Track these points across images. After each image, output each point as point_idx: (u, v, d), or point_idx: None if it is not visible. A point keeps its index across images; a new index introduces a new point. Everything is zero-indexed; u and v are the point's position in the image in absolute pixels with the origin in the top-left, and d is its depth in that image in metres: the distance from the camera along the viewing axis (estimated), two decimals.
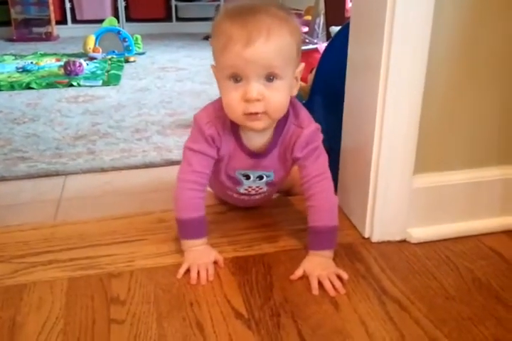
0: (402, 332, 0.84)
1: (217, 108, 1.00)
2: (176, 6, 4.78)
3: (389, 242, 1.10)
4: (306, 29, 3.31)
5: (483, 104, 1.08)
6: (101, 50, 3.49)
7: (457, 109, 1.07)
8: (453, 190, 1.11)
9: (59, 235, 1.12)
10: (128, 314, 0.88)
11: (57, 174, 1.62)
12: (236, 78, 0.91)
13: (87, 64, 3.18)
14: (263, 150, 1.04)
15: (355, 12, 1.09)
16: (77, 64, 2.96)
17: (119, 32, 3.59)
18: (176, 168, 1.67)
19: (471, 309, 0.90)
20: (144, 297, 0.93)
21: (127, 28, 4.18)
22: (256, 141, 1.03)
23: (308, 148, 1.01)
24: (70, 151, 1.81)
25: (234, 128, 1.01)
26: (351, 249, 1.07)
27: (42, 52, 3.67)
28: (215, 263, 1.01)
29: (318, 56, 1.78)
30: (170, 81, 2.96)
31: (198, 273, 0.97)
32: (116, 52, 3.53)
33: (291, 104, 1.00)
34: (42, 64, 3.22)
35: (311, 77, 1.55)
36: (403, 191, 1.07)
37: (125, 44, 3.58)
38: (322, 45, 2.03)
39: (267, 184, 1.11)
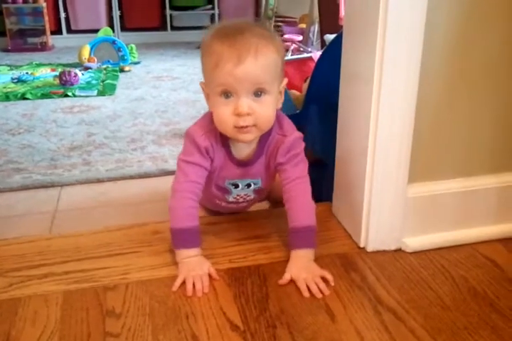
0: None
1: (208, 122, 1.04)
2: (170, 15, 4.79)
3: (384, 252, 1.10)
4: (300, 37, 3.33)
5: (476, 113, 1.09)
6: (96, 60, 3.49)
7: (451, 118, 1.07)
8: (447, 199, 1.11)
9: (54, 248, 1.12)
10: (123, 327, 0.88)
11: (52, 185, 1.62)
12: (227, 94, 0.96)
13: (83, 74, 3.18)
14: (249, 159, 1.08)
15: (348, 21, 1.09)
16: (73, 74, 2.97)
17: (114, 42, 3.60)
18: (171, 178, 1.67)
19: (467, 318, 0.90)
20: (139, 309, 0.92)
21: (122, 38, 4.19)
22: (243, 151, 1.08)
23: (291, 153, 1.06)
24: (66, 162, 1.81)
25: (224, 140, 1.05)
26: (346, 258, 1.07)
27: (37, 63, 3.67)
28: (209, 275, 1.01)
29: (312, 65, 1.79)
30: (165, 90, 2.96)
31: (194, 284, 0.97)
32: (111, 61, 3.54)
33: (275, 115, 1.04)
34: (37, 74, 3.22)
35: (305, 86, 1.56)
36: (398, 200, 1.07)
37: (120, 53, 3.59)
38: (316, 54, 2.03)
39: (255, 191, 1.15)
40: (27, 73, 3.21)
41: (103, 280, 1.01)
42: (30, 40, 4.34)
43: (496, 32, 1.03)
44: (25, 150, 1.94)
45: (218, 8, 4.81)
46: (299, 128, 1.10)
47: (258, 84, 0.95)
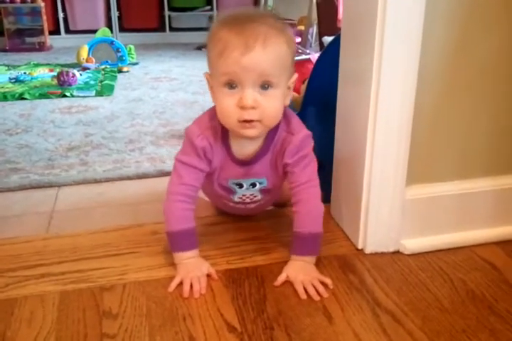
0: None
1: (210, 117, 1.01)
2: (169, 16, 4.78)
3: (382, 253, 1.10)
4: (299, 39, 3.33)
5: (474, 115, 1.09)
6: (94, 61, 3.48)
7: (448, 120, 1.07)
8: (446, 201, 1.11)
9: (51, 248, 1.12)
10: (120, 328, 0.87)
11: (50, 185, 1.61)
12: (231, 85, 0.92)
13: (81, 74, 3.17)
14: (252, 157, 1.04)
15: (346, 23, 1.10)
16: (71, 74, 2.96)
17: (112, 42, 3.59)
18: (169, 179, 1.67)
19: (465, 321, 0.90)
20: (136, 310, 0.92)
21: (121, 38, 4.18)
22: (247, 148, 1.04)
23: (299, 154, 1.02)
24: (63, 162, 1.80)
25: (224, 138, 1.02)
26: (345, 260, 1.07)
27: (35, 63, 3.66)
28: (208, 276, 1.00)
29: (310, 66, 1.78)
30: (163, 91, 2.96)
31: (191, 286, 0.97)
32: (109, 62, 3.53)
33: (283, 112, 1.01)
34: (35, 74, 3.21)
35: (303, 87, 1.56)
36: (396, 202, 1.07)
37: (118, 54, 3.58)
38: (315, 56, 2.03)
39: (261, 191, 1.11)
40: (25, 73, 3.20)
41: (100, 280, 1.00)
42: (28, 40, 4.33)
43: (495, 35, 1.03)
44: (22, 150, 1.94)
45: (217, 9, 4.80)
46: None
47: (265, 76, 0.90)
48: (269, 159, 1.05)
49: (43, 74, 3.26)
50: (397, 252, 1.10)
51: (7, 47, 4.25)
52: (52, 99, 2.73)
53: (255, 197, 1.13)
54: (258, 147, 1.04)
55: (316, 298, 0.95)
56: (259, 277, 1.01)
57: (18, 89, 2.89)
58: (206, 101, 2.69)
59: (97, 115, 2.44)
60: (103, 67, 3.45)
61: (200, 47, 4.34)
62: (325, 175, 1.25)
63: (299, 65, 2.01)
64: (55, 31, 4.54)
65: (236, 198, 1.12)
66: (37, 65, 3.58)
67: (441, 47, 1.01)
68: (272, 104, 0.93)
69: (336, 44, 1.19)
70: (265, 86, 0.92)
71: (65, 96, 2.78)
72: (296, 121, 1.04)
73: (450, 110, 1.07)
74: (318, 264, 1.03)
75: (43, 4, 4.25)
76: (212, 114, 1.00)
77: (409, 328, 0.88)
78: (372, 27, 0.96)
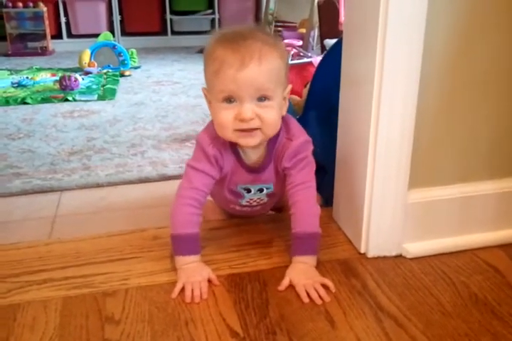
0: None
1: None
2: (171, 20, 4.79)
3: (385, 257, 1.09)
4: (300, 42, 3.33)
5: (475, 119, 1.08)
6: (96, 65, 3.49)
7: (450, 123, 1.07)
8: (448, 205, 1.11)
9: (54, 253, 1.12)
10: (122, 334, 0.87)
11: (52, 190, 1.62)
12: (230, 100, 0.95)
13: (83, 78, 3.19)
14: (260, 165, 1.07)
15: (348, 26, 1.10)
16: (73, 79, 2.97)
17: (114, 46, 3.60)
18: (171, 183, 1.67)
19: (468, 325, 0.89)
20: (138, 316, 0.92)
21: (123, 42, 4.19)
22: (252, 157, 1.06)
23: (297, 157, 1.05)
24: (65, 167, 1.81)
25: (233, 146, 1.04)
26: (347, 264, 1.07)
27: (37, 67, 3.67)
28: (209, 281, 1.00)
29: (312, 70, 1.79)
30: (165, 95, 2.97)
31: (192, 291, 0.97)
32: (111, 66, 3.54)
33: (283, 119, 1.04)
34: (37, 79, 3.22)
35: (305, 91, 1.56)
36: (398, 206, 1.07)
37: (120, 58, 3.59)
38: (317, 59, 2.03)
39: (268, 195, 1.14)
40: (27, 78, 3.21)
41: (103, 286, 1.00)
42: (31, 44, 4.34)
43: (497, 39, 1.03)
44: (25, 154, 1.94)
45: (219, 12, 4.82)
46: None
47: (262, 90, 0.94)
48: (273, 166, 1.08)
49: (45, 78, 3.27)
50: (399, 256, 1.10)
51: (9, 52, 4.27)
52: (54, 104, 2.74)
53: (262, 200, 1.15)
54: (262, 155, 1.06)
55: (318, 301, 0.95)
56: (262, 281, 1.01)
57: (21, 93, 2.90)
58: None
59: (99, 119, 2.45)
60: (105, 71, 3.46)
61: (202, 51, 4.33)
62: (327, 179, 1.25)
63: (300, 69, 2.02)
64: (57, 35, 4.56)
65: (244, 202, 1.15)
66: (39, 70, 3.59)
67: (443, 50, 1.01)
68: (269, 114, 0.96)
69: (337, 47, 1.20)
70: (262, 98, 0.95)
71: (67, 100, 2.79)
72: (295, 127, 1.07)
73: (452, 113, 1.07)
74: (321, 268, 1.03)
75: (45, 9, 4.26)
76: None
77: (412, 332, 0.87)
78: (374, 30, 0.96)
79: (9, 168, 1.80)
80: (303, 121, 1.39)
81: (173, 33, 4.85)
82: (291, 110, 1.47)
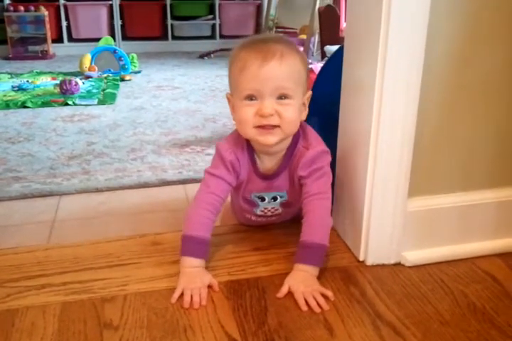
0: None
1: (236, 135, 1.07)
2: (172, 25, 4.80)
3: (384, 265, 1.09)
4: (301, 48, 3.34)
5: (476, 127, 1.09)
6: (97, 69, 3.50)
7: (451, 131, 1.08)
8: (447, 213, 1.11)
9: (52, 258, 1.12)
10: (121, 340, 0.87)
11: (51, 194, 1.62)
12: (251, 98, 0.98)
13: (83, 83, 3.19)
14: (274, 172, 1.09)
15: (349, 33, 1.10)
16: (73, 83, 2.97)
17: (115, 51, 3.61)
18: (171, 188, 1.67)
19: (466, 334, 0.89)
20: (137, 322, 0.92)
21: (123, 47, 4.20)
22: (268, 163, 1.09)
23: (312, 167, 1.06)
24: (65, 171, 1.81)
25: (250, 153, 1.07)
26: (346, 272, 1.07)
27: (38, 71, 3.68)
28: (210, 287, 1.00)
29: (313, 76, 1.79)
30: (165, 100, 2.97)
31: (192, 297, 0.97)
32: (112, 70, 3.54)
33: (302, 127, 1.07)
34: (38, 82, 3.23)
35: None
36: (398, 214, 1.07)
37: (121, 63, 3.59)
38: (317, 65, 2.04)
39: (282, 204, 1.14)
40: (27, 81, 3.22)
41: (101, 291, 1.00)
42: (32, 48, 4.35)
43: (499, 44, 1.04)
44: (24, 158, 1.94)
45: (219, 18, 4.83)
46: None
47: (281, 88, 0.97)
48: (288, 173, 1.09)
49: (46, 82, 3.27)
50: (398, 264, 1.10)
51: (10, 56, 4.27)
52: (54, 108, 2.74)
53: (276, 210, 1.16)
54: (278, 161, 1.08)
55: (317, 309, 0.95)
56: (261, 288, 1.01)
57: (21, 97, 2.90)
58: (208, 110, 2.70)
59: (99, 123, 2.45)
60: (105, 75, 3.46)
61: (202, 56, 4.35)
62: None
63: None
64: (58, 39, 4.56)
65: (258, 211, 1.16)
66: (40, 73, 3.59)
67: (444, 57, 1.02)
68: (289, 113, 0.99)
69: (338, 54, 1.20)
70: (282, 97, 0.98)
71: (67, 104, 2.79)
72: (313, 137, 1.09)
73: (453, 121, 1.07)
74: (320, 276, 1.03)
75: (46, 13, 4.27)
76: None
77: None
78: (375, 37, 0.97)
79: (8, 171, 1.80)
80: None
81: (174, 37, 4.86)
82: None
